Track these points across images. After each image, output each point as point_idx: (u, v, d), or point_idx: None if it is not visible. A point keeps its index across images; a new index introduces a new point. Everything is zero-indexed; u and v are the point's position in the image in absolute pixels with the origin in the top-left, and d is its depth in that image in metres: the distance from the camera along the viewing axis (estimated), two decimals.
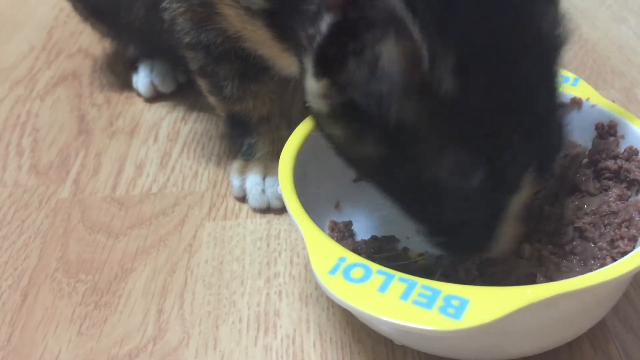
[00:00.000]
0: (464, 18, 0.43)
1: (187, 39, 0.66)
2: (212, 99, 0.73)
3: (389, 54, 0.43)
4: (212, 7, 0.61)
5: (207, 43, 0.65)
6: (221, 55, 0.66)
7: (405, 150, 0.47)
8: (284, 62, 0.61)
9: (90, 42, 1.06)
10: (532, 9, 0.47)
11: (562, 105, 0.51)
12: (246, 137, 0.72)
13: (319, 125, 0.52)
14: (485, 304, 0.43)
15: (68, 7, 0.97)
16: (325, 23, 0.43)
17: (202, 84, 0.72)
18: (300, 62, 0.51)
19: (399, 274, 0.46)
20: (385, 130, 0.46)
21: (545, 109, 0.48)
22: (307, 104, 0.50)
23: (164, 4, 0.65)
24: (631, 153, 0.59)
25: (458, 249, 0.52)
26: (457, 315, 0.42)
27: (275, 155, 0.69)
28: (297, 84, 0.64)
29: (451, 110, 0.44)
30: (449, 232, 0.51)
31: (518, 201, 0.49)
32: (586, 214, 0.57)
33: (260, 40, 0.61)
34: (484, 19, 0.44)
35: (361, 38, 0.43)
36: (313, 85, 0.48)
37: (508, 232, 0.50)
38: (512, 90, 0.45)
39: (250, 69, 0.66)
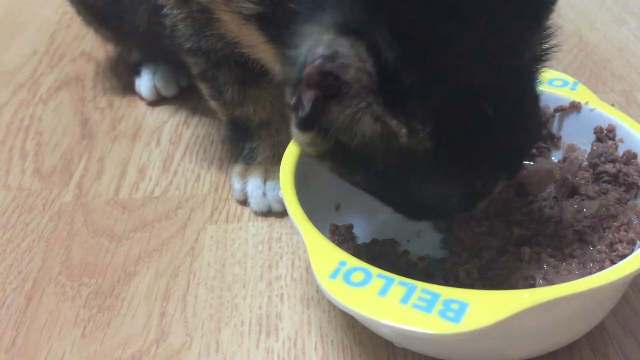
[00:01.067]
0: (442, 83, 0.45)
1: (187, 45, 0.66)
2: (213, 103, 0.73)
3: (366, 126, 0.47)
4: (210, 13, 0.62)
5: (207, 49, 0.65)
6: (221, 61, 0.67)
7: (391, 182, 0.51)
8: (279, 66, 0.62)
9: (93, 46, 1.07)
10: (512, 46, 0.48)
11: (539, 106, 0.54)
12: (247, 141, 0.73)
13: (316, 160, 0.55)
14: (485, 308, 0.43)
15: (71, 11, 0.97)
16: (307, 99, 0.46)
17: (203, 88, 0.73)
18: (282, 68, 0.53)
19: (399, 278, 0.46)
20: (370, 169, 0.50)
21: (520, 136, 0.51)
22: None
23: (165, 10, 0.66)
24: (630, 157, 0.59)
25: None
26: (456, 319, 0.42)
27: (276, 159, 0.69)
28: None
29: (429, 160, 0.47)
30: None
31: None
32: (585, 217, 0.58)
33: (254, 45, 0.61)
34: (462, 79, 0.46)
35: (343, 102, 0.46)
36: (298, 135, 0.51)
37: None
38: (484, 135, 0.48)
39: (250, 74, 0.67)
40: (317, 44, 0.44)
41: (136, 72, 0.94)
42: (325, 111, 0.47)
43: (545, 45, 0.51)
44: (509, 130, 0.49)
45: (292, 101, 0.47)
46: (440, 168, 0.48)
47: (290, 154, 0.60)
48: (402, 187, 0.51)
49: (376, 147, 0.48)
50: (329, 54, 0.43)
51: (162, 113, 0.91)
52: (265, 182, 0.71)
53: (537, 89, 0.52)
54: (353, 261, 0.48)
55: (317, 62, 0.43)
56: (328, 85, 0.45)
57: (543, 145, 0.66)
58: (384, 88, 0.44)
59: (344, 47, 0.42)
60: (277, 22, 0.54)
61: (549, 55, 0.51)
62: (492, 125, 0.47)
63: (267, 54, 0.60)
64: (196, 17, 0.64)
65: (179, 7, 0.65)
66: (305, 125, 0.49)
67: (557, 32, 0.51)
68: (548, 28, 0.51)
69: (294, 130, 0.51)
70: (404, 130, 0.45)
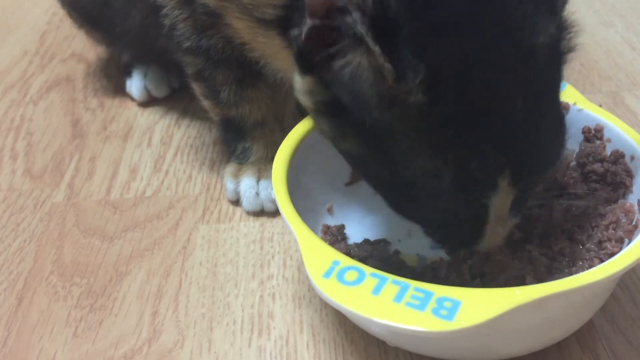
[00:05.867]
0: (442, 36, 0.45)
1: (187, 44, 0.66)
2: (206, 103, 0.73)
3: (357, 65, 0.46)
4: (219, 18, 0.62)
5: (208, 47, 0.65)
6: (221, 60, 0.66)
7: (381, 151, 0.49)
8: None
9: (84, 47, 1.06)
10: (523, 24, 0.48)
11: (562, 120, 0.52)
12: (240, 141, 0.73)
13: (312, 119, 0.55)
14: (478, 305, 0.44)
15: (61, 12, 0.97)
16: (305, 27, 0.47)
17: (197, 87, 0.72)
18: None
19: (392, 277, 0.47)
20: (363, 129, 0.48)
21: (525, 124, 0.48)
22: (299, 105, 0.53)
23: (164, 11, 0.65)
24: (617, 156, 0.60)
25: (449, 244, 0.56)
26: (449, 316, 0.43)
27: (269, 159, 0.69)
28: (290, 89, 0.65)
29: (421, 118, 0.46)
30: (439, 229, 0.54)
31: (500, 202, 0.50)
32: (574, 216, 0.59)
33: (272, 52, 0.61)
34: (463, 37, 0.46)
35: (337, 44, 0.46)
36: (298, 82, 0.51)
37: (495, 229, 0.52)
38: (483, 105, 0.47)
39: (248, 75, 0.66)
40: None
41: (127, 73, 0.94)
42: (329, 65, 0.47)
43: (566, 40, 0.51)
44: (516, 114, 0.47)
45: (295, 33, 0.48)
46: (431, 132, 0.47)
47: (283, 154, 0.60)
48: (391, 157, 0.49)
49: (369, 101, 0.46)
50: None
51: (153, 114, 0.91)
52: (258, 181, 0.71)
53: (557, 90, 0.51)
54: (346, 260, 0.48)
55: None
56: (328, 15, 0.45)
57: None
58: (382, 31, 0.44)
59: None
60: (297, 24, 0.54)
61: (569, 52, 0.51)
62: (493, 99, 0.46)
63: (288, 62, 0.60)
64: (199, 18, 0.63)
65: (180, 7, 0.64)
66: (301, 61, 0.49)
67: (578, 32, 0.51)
68: (567, 22, 0.51)
69: (296, 78, 0.51)
70: (389, 68, 0.44)
